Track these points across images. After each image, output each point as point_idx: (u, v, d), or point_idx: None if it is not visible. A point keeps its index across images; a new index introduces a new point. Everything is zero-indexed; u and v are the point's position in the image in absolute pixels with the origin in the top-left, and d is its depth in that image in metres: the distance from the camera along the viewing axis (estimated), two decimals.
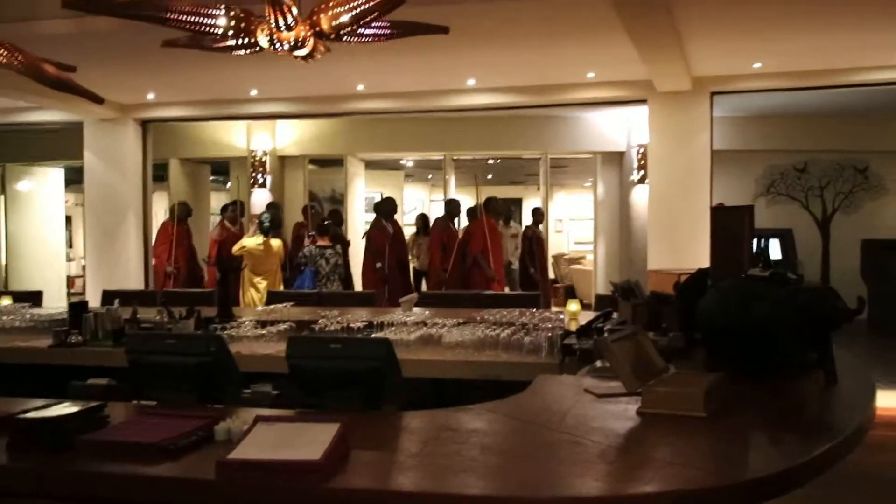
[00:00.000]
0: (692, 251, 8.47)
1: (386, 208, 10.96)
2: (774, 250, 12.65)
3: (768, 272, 3.17)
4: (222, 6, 4.57)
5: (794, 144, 12.98)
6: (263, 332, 4.74)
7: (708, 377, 2.70)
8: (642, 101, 9.57)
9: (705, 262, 3.83)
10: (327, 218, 10.28)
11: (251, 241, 9.46)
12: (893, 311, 11.35)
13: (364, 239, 11.03)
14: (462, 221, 11.69)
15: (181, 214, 11.03)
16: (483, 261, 10.22)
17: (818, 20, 7.08)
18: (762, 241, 12.25)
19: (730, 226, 3.65)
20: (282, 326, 4.85)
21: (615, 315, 4.57)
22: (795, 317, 2.90)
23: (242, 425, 2.32)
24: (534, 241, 11.86)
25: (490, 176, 19.56)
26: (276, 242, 9.49)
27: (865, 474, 5.24)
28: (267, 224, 9.61)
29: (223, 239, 10.49)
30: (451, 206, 11.30)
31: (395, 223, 11.04)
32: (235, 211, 11.11)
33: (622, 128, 12.54)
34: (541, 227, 12.22)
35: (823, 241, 13.17)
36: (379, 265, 10.42)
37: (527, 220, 14.34)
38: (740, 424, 2.50)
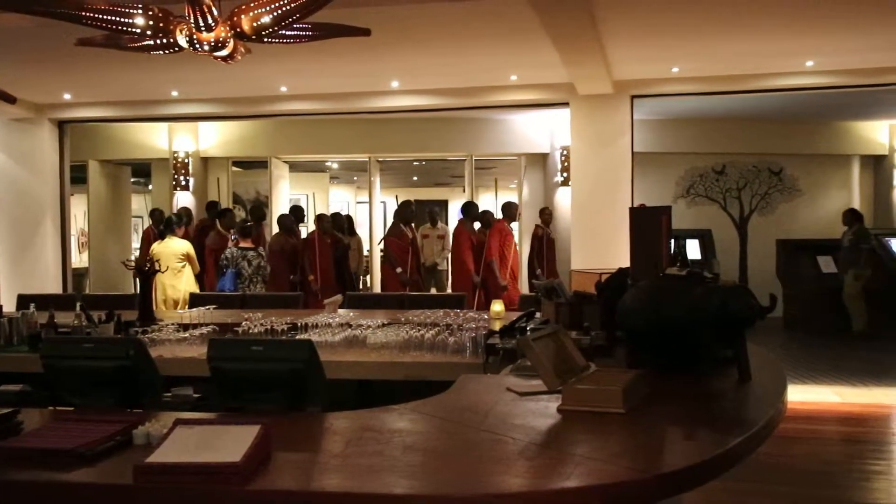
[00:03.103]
0: (614, 251, 8.61)
1: (405, 214, 10.73)
2: (693, 250, 12.94)
3: (685, 271, 3.24)
4: (139, 5, 4.49)
5: (712, 147, 13.33)
6: (185, 335, 4.67)
7: (627, 374, 2.76)
8: (564, 104, 9.70)
9: (626, 262, 3.92)
10: (249, 220, 10.13)
11: (157, 244, 9.41)
12: (807, 309, 11.75)
13: (382, 244, 10.75)
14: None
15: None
16: (497, 268, 10.23)
17: (733, 27, 7.27)
18: (681, 241, 12.52)
19: (648, 226, 3.73)
20: (204, 329, 4.79)
21: (538, 315, 4.62)
22: (711, 315, 2.98)
23: (162, 429, 2.29)
24: (543, 242, 11.51)
25: (415, 177, 19.57)
26: (179, 243, 9.36)
27: (779, 466, 5.40)
28: (173, 222, 9.57)
29: (218, 247, 9.70)
30: (473, 210, 10.91)
31: (412, 228, 10.84)
32: (233, 216, 10.59)
33: (546, 130, 12.69)
34: (550, 226, 11.81)
35: (741, 241, 13.56)
36: (399, 270, 10.31)
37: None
38: (658, 420, 2.56)
